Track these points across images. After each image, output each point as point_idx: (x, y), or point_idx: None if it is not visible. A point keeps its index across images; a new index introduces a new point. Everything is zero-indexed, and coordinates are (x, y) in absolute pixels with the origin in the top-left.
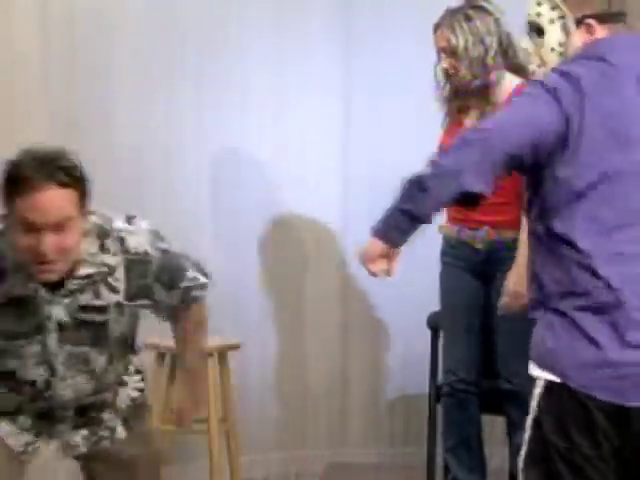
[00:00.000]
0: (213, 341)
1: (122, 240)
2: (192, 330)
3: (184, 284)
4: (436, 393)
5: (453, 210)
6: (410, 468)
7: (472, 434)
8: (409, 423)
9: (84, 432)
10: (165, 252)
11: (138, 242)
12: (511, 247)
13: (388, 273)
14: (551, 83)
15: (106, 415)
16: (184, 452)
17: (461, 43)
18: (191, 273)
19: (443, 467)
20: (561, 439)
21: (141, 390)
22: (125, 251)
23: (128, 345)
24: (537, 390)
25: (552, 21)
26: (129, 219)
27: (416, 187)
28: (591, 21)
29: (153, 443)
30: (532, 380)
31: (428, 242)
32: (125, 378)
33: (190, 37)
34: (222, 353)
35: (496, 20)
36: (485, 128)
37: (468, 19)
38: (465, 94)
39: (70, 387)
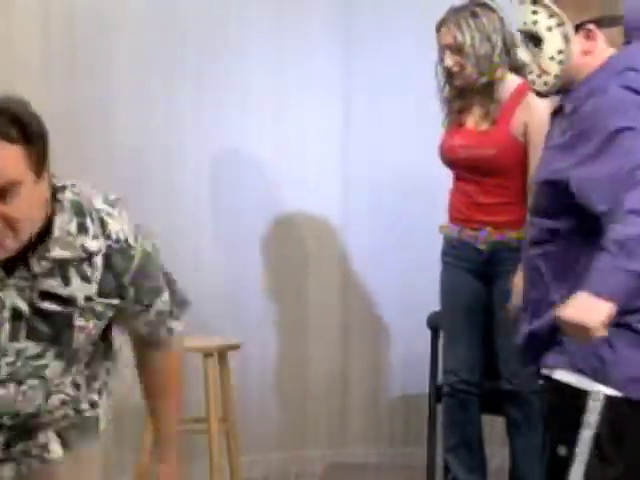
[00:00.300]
0: (213, 341)
1: (102, 222)
2: (165, 383)
3: (157, 306)
4: (436, 393)
5: (454, 210)
6: (410, 468)
7: (473, 434)
8: (409, 423)
9: (12, 453)
10: (147, 254)
11: (121, 228)
12: (513, 247)
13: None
14: None
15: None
16: (184, 452)
17: (468, 40)
18: (165, 297)
19: (443, 467)
20: (621, 454)
21: (93, 404)
22: (107, 236)
23: (96, 354)
24: (594, 403)
25: (550, 29)
26: (110, 202)
27: None
28: (591, 26)
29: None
30: (578, 392)
31: (428, 242)
32: (79, 395)
33: (190, 37)
34: (222, 353)
35: (501, 19)
36: None
37: (474, 16)
38: (470, 92)
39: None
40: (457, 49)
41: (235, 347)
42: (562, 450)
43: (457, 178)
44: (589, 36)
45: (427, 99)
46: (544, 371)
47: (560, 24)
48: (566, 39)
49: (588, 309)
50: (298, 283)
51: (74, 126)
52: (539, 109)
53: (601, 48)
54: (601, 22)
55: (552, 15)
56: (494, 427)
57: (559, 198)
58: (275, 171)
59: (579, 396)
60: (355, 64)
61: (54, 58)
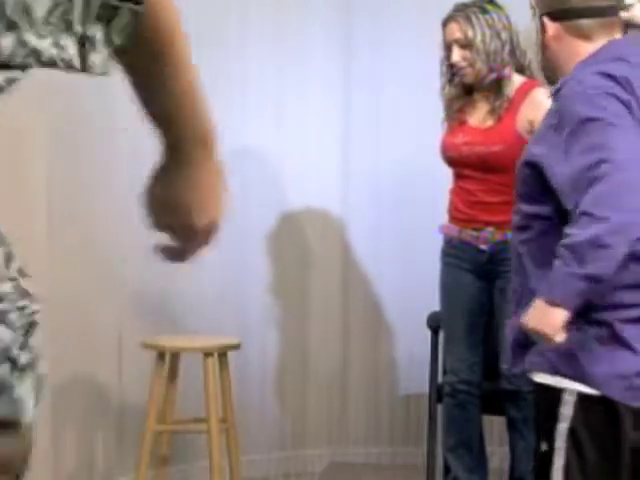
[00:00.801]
0: (213, 341)
1: None
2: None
3: None
4: (436, 393)
5: (455, 210)
6: (410, 468)
7: (473, 434)
8: (409, 423)
9: None
10: None
11: None
12: None
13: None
14: (624, 100)
15: None
16: (184, 452)
17: (478, 35)
18: None
19: (443, 467)
20: (596, 448)
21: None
22: None
23: None
24: (569, 397)
25: (533, 20)
26: None
27: (593, 248)
28: (544, 19)
29: None
30: (557, 391)
31: (428, 242)
32: None
33: (190, 37)
34: (222, 353)
35: (508, 18)
36: (624, 166)
37: (484, 12)
38: (477, 89)
39: None
40: (467, 44)
41: (235, 347)
42: (544, 446)
43: (458, 177)
44: (544, 29)
45: (427, 99)
46: (528, 374)
47: (534, 16)
48: (537, 30)
49: (544, 317)
50: (298, 283)
51: (74, 127)
52: (544, 106)
53: (569, 42)
54: (554, 15)
55: (532, 7)
56: (494, 427)
57: (536, 182)
58: (275, 170)
59: (558, 394)
60: (355, 63)
61: None
